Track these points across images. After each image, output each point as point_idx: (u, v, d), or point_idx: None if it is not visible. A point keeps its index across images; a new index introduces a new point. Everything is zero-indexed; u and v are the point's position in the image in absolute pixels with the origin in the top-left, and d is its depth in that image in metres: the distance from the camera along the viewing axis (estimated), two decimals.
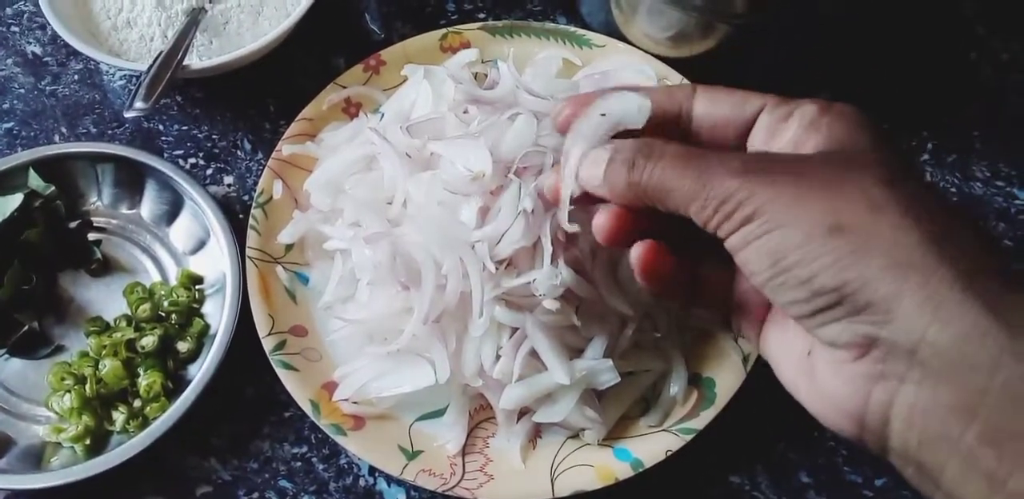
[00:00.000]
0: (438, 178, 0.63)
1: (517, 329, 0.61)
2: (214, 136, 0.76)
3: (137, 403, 0.64)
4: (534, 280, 0.59)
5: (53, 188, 0.68)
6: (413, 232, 0.62)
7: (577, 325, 0.61)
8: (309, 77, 0.77)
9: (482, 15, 0.82)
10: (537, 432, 0.64)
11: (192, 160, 0.75)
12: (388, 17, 0.81)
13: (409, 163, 0.66)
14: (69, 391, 0.63)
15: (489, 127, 0.64)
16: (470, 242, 0.60)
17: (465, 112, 0.68)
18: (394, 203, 0.66)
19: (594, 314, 0.61)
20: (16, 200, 0.65)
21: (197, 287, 0.68)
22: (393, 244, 0.62)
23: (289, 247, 0.69)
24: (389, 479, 0.65)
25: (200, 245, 0.70)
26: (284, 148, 0.71)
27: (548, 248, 0.58)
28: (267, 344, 0.65)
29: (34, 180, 0.67)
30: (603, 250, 0.62)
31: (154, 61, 0.70)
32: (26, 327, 0.65)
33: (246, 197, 0.74)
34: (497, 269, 0.60)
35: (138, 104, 0.67)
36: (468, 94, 0.67)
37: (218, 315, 0.66)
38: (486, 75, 0.75)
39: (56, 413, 0.64)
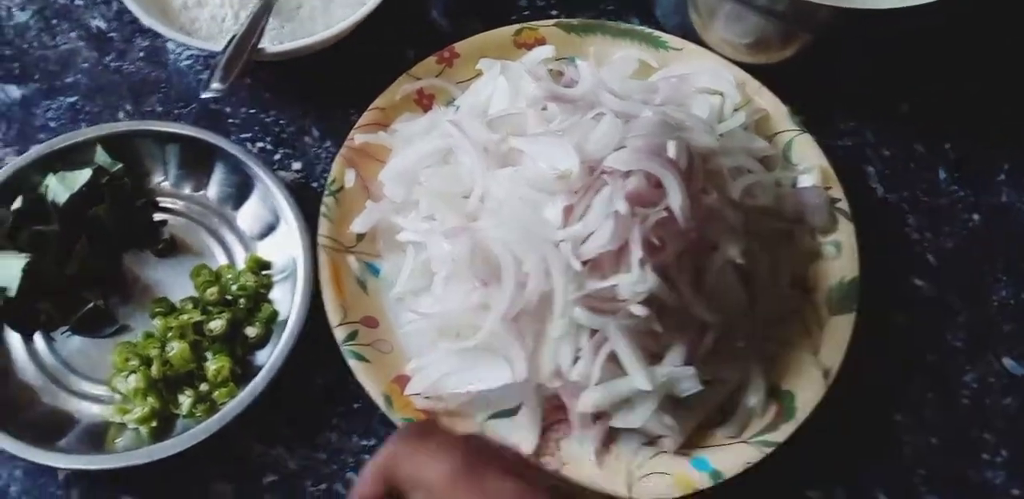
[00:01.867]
0: (521, 175, 0.62)
1: (596, 331, 0.60)
2: (282, 121, 0.75)
3: (204, 387, 0.63)
4: (618, 284, 0.58)
5: (121, 165, 0.66)
6: (493, 228, 0.61)
7: (659, 331, 0.60)
8: (377, 66, 0.76)
9: (554, 12, 0.81)
10: (610, 437, 0.63)
11: (260, 144, 0.74)
12: (458, 11, 0.80)
13: (488, 158, 0.65)
14: (134, 372, 0.62)
15: (573, 126, 0.63)
16: (554, 241, 0.59)
17: (543, 109, 0.67)
18: (471, 197, 0.65)
19: (675, 320, 0.61)
20: (85, 175, 0.64)
21: (264, 272, 0.67)
22: (473, 239, 0.61)
23: (359, 237, 0.68)
24: None
25: (268, 230, 0.68)
26: (357, 137, 0.70)
27: (638, 252, 0.58)
28: (339, 334, 0.64)
29: (101, 156, 0.66)
30: (688, 256, 0.61)
31: (229, 42, 0.69)
32: (91, 304, 0.64)
33: (315, 184, 0.73)
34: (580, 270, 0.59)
35: (215, 85, 0.66)
36: (550, 91, 0.66)
37: (286, 302, 0.65)
38: (559, 72, 0.74)
39: (120, 393, 0.63)
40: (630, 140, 0.61)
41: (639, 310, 0.58)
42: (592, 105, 0.66)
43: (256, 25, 0.70)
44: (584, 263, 0.59)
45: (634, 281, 0.57)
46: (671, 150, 0.60)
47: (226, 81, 0.66)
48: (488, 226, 0.61)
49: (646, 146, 0.60)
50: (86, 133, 0.67)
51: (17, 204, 0.63)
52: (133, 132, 0.67)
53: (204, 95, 0.65)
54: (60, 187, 0.63)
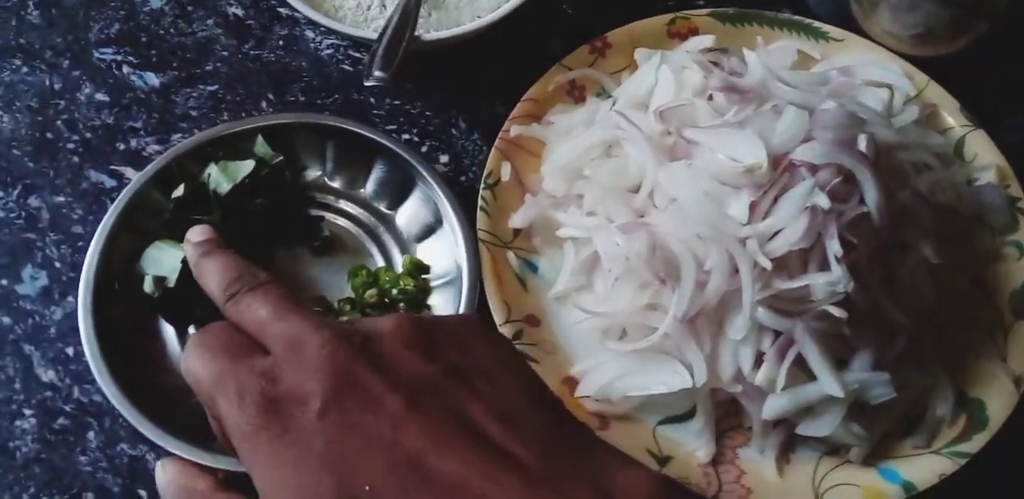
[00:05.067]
0: (702, 168, 0.59)
1: (779, 334, 0.57)
2: (428, 113, 0.73)
3: None
4: (812, 283, 0.55)
5: (281, 158, 0.64)
6: (672, 223, 0.58)
7: (846, 334, 0.57)
8: (521, 56, 0.74)
9: (701, 2, 0.78)
10: (790, 445, 0.60)
11: (406, 136, 0.72)
12: (604, 1, 0.78)
13: (658, 150, 0.62)
14: None
15: (752, 118, 0.60)
16: (738, 238, 0.57)
17: (709, 100, 0.65)
18: (640, 192, 0.62)
19: (864, 323, 0.58)
20: (248, 166, 0.62)
21: (423, 276, 0.64)
22: (651, 234, 0.58)
23: (516, 232, 0.66)
24: None
25: (428, 232, 0.66)
26: (512, 128, 0.67)
27: (837, 249, 0.54)
28: (506, 332, 0.61)
29: (262, 148, 0.64)
30: (880, 255, 0.58)
31: (384, 29, 0.67)
32: None
33: (462, 178, 0.71)
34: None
35: (377, 73, 0.64)
36: (725, 81, 0.63)
37: (446, 308, 0.62)
38: (714, 63, 0.71)
39: None
40: (818, 132, 0.58)
41: (837, 312, 0.55)
42: (762, 96, 0.63)
43: (411, 12, 0.68)
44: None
45: (833, 281, 0.54)
46: (862, 143, 0.57)
47: (388, 69, 0.63)
48: (666, 221, 0.59)
49: (836, 139, 0.57)
50: (247, 123, 0.64)
51: (179, 192, 0.61)
52: (296, 125, 0.65)
53: (368, 83, 0.63)
54: (222, 177, 0.61)
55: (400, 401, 0.32)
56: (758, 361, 0.58)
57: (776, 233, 0.56)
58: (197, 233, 0.47)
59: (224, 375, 0.34)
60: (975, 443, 0.59)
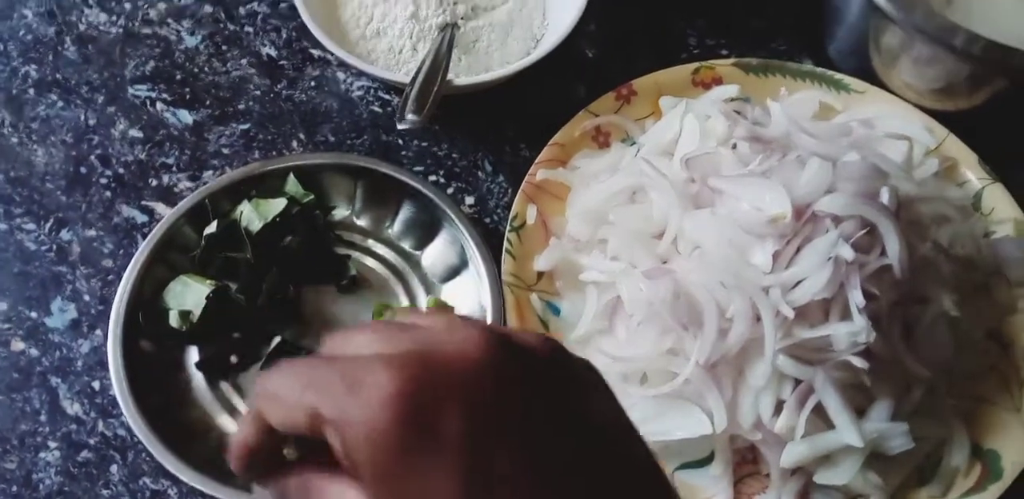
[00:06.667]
0: (725, 216, 0.60)
1: (799, 382, 0.58)
2: (454, 155, 0.74)
3: None
4: (833, 333, 0.56)
5: (312, 196, 0.65)
6: (696, 270, 0.59)
7: (867, 384, 0.57)
8: (548, 101, 0.75)
9: (724, 52, 0.80)
10: (807, 493, 0.60)
11: (433, 177, 0.73)
12: (629, 47, 0.79)
13: (683, 198, 0.63)
14: None
15: (776, 167, 0.61)
16: (761, 286, 0.57)
17: (733, 148, 0.66)
18: (664, 238, 0.63)
19: (883, 373, 0.58)
20: (280, 204, 0.63)
21: None
22: (676, 281, 0.59)
23: (539, 275, 0.67)
24: None
25: (453, 274, 0.67)
26: (539, 173, 0.68)
27: (860, 300, 0.55)
28: None
29: (293, 187, 0.65)
30: (899, 307, 0.59)
31: (417, 72, 0.68)
32: (279, 339, 0.63)
33: (487, 220, 0.72)
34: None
35: (410, 116, 0.65)
36: (749, 131, 0.65)
37: None
38: (736, 112, 0.72)
39: None
40: (841, 184, 0.59)
41: (859, 362, 0.55)
42: (786, 147, 0.64)
43: (443, 58, 0.69)
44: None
45: (855, 331, 0.55)
46: (884, 196, 0.58)
47: (420, 113, 0.64)
48: (690, 268, 0.60)
49: (858, 191, 0.58)
50: (281, 162, 0.66)
51: (211, 228, 0.62)
52: (327, 165, 0.66)
53: (401, 126, 0.64)
54: (254, 215, 0.62)
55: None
56: (778, 408, 0.58)
57: (798, 282, 0.57)
58: None
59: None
60: (990, 494, 0.59)
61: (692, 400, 0.59)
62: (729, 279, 0.58)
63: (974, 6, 0.73)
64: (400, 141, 0.74)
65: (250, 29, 0.80)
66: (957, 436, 0.61)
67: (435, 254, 0.68)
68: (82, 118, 0.75)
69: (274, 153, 0.73)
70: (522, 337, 0.35)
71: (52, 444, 0.64)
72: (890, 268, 0.57)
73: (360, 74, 0.75)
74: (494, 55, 0.74)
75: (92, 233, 0.70)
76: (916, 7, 0.66)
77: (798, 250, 0.58)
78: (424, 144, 0.74)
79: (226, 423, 0.62)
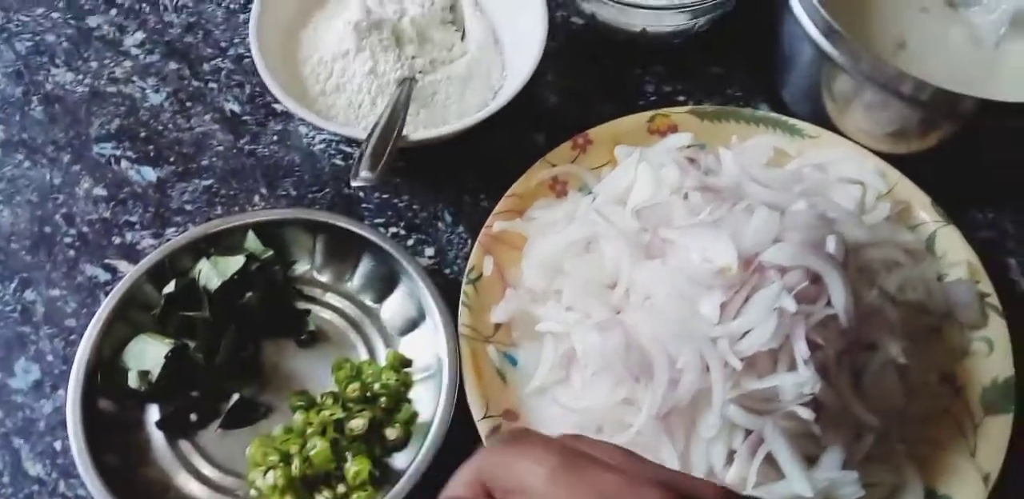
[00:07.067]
0: (675, 268, 0.61)
1: (750, 432, 0.58)
2: (415, 206, 0.75)
3: (341, 488, 0.61)
4: (780, 384, 0.57)
5: (271, 252, 0.66)
6: (644, 321, 0.60)
7: (817, 433, 0.58)
8: (508, 150, 0.76)
9: (681, 97, 0.81)
10: None
11: (393, 229, 0.74)
12: (585, 96, 0.80)
13: (634, 248, 0.64)
14: (273, 468, 0.60)
15: (725, 218, 0.62)
16: (710, 337, 0.58)
17: (685, 197, 0.67)
18: (617, 289, 0.64)
19: (832, 421, 0.59)
20: (238, 262, 0.64)
21: (405, 370, 0.66)
22: (627, 332, 0.60)
23: (497, 326, 0.67)
24: None
25: (412, 326, 0.67)
26: (496, 224, 0.69)
27: (804, 351, 0.56)
28: (483, 428, 0.62)
29: (252, 243, 0.66)
30: (847, 355, 0.59)
31: (373, 129, 0.69)
32: (238, 396, 0.63)
33: (447, 270, 0.72)
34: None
35: (364, 173, 0.66)
36: (700, 181, 0.66)
37: (425, 402, 0.64)
38: (691, 159, 0.73)
39: (256, 489, 0.61)
40: (787, 234, 0.60)
41: (806, 413, 0.56)
42: (737, 195, 0.65)
43: (399, 112, 0.70)
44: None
45: (800, 382, 0.56)
46: (830, 245, 0.59)
47: (374, 170, 0.65)
48: (641, 319, 0.60)
49: (805, 240, 0.59)
50: (239, 219, 0.67)
51: (170, 288, 0.63)
52: (287, 220, 0.67)
53: (355, 183, 0.65)
54: (213, 273, 0.63)
55: None
56: (730, 458, 0.59)
57: (746, 333, 0.58)
58: None
59: None
60: None
61: (646, 451, 0.59)
62: (678, 330, 0.59)
63: (925, 51, 0.74)
64: (361, 194, 0.75)
65: (214, 85, 0.81)
66: (910, 482, 0.61)
67: (394, 307, 0.68)
68: (47, 177, 0.76)
69: (236, 208, 0.74)
70: (694, 485, 0.39)
71: None
72: (836, 317, 0.58)
73: (322, 128, 0.76)
74: (452, 108, 0.76)
75: (56, 293, 0.71)
76: (865, 55, 0.67)
77: (746, 300, 0.59)
78: (385, 196, 0.75)
79: (184, 482, 0.62)
